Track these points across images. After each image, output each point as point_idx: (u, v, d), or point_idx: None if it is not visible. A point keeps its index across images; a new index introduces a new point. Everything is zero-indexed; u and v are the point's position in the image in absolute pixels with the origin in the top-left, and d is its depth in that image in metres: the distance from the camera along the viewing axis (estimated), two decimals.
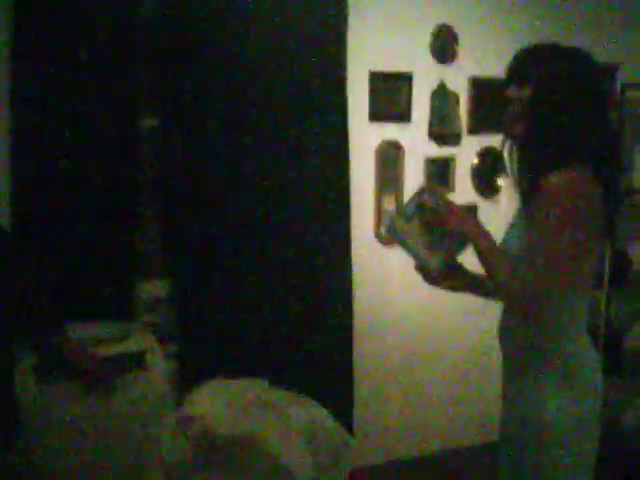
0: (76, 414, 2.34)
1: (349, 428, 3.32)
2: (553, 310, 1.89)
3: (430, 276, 2.03)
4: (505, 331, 2.05)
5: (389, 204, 3.55)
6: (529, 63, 1.88)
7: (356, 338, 3.46)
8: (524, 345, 1.97)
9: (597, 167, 1.84)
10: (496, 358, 2.12)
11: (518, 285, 1.80)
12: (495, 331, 2.09)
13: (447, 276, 2.05)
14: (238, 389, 2.17)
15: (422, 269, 2.03)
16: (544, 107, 1.84)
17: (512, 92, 1.90)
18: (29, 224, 2.78)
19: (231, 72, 3.05)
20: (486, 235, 1.88)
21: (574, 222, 1.77)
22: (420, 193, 1.99)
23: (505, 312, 2.06)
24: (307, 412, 2.11)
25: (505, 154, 2.01)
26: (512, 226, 2.03)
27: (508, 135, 1.98)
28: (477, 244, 1.87)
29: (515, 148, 1.99)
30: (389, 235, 2.09)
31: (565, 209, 1.77)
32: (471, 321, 3.74)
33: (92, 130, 2.85)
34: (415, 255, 1.99)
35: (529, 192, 1.90)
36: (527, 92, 1.86)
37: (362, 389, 3.54)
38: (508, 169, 2.03)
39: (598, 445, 1.97)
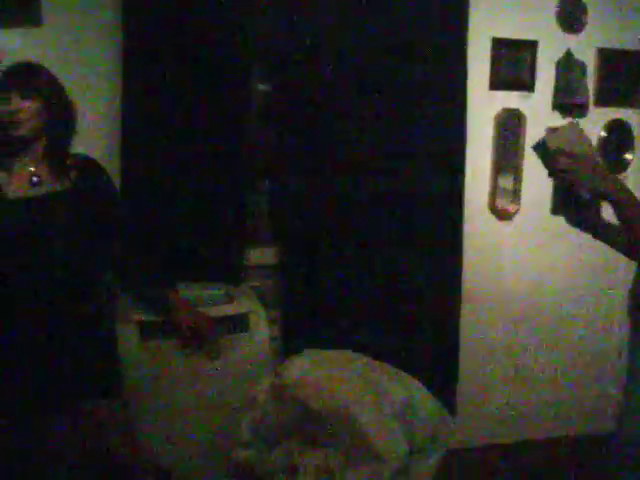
0: (178, 371, 2.40)
1: (452, 406, 3.25)
2: None
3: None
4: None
5: (507, 179, 3.43)
6: None
7: (463, 313, 3.37)
8: None
9: None
10: (615, 341, 1.96)
11: None
12: (617, 309, 1.89)
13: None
14: (337, 360, 2.15)
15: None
16: None
17: None
18: (142, 189, 2.82)
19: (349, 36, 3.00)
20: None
21: None
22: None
23: None
24: (405, 389, 2.06)
25: None
26: None
27: None
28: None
29: None
30: (537, 151, 1.93)
31: None
32: (587, 299, 3.58)
33: (206, 97, 2.86)
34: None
35: None
36: None
37: (466, 367, 3.43)
38: None
39: None
